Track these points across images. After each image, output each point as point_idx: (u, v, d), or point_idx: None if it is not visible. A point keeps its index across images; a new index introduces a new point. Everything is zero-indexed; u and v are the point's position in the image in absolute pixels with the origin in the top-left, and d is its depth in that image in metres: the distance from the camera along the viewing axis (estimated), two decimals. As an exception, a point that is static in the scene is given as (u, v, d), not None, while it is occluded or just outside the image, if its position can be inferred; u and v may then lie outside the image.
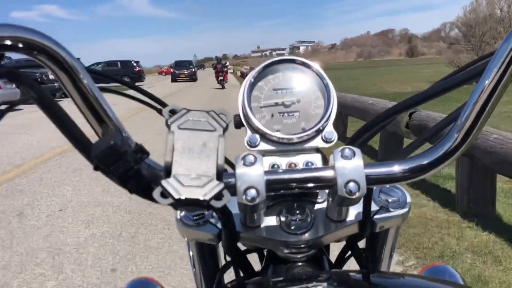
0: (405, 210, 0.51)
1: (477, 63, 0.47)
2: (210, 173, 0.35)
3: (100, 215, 3.46)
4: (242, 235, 0.49)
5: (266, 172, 0.40)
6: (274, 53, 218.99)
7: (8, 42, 0.36)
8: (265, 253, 0.56)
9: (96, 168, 0.38)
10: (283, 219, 0.48)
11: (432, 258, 2.54)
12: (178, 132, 0.37)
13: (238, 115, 0.50)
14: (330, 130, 0.50)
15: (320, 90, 0.51)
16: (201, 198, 0.34)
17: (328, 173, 0.41)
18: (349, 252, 0.56)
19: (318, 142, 0.50)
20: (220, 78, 20.89)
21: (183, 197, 0.34)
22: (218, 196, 0.35)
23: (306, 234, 0.48)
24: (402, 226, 0.55)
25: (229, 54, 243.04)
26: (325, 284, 0.46)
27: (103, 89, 0.48)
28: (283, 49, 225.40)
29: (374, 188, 0.51)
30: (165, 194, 0.35)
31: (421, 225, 2.99)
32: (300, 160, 0.49)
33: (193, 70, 32.91)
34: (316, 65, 0.52)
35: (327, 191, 0.49)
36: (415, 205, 3.32)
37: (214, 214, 0.50)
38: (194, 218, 0.51)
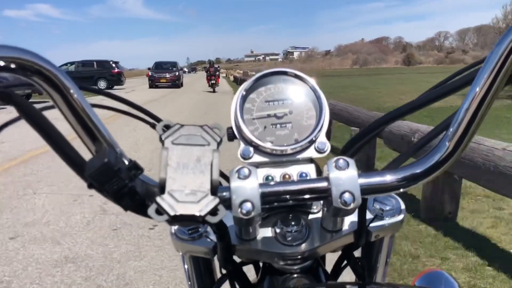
0: (400, 217, 0.51)
1: (468, 70, 0.48)
2: (204, 188, 0.35)
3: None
4: (237, 248, 0.49)
5: (261, 185, 0.40)
6: (267, 58, 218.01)
7: (1, 63, 0.36)
8: (261, 265, 0.56)
9: (90, 186, 0.38)
10: (278, 230, 0.48)
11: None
12: (172, 147, 0.37)
13: (231, 128, 0.50)
14: (322, 141, 0.50)
15: (312, 101, 0.51)
16: (197, 214, 0.34)
17: (323, 184, 0.41)
18: (345, 262, 0.56)
19: (311, 152, 0.49)
20: (212, 81, 20.88)
21: (178, 214, 0.34)
22: (214, 212, 0.35)
23: (302, 246, 0.48)
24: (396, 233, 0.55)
25: (223, 58, 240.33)
26: None
27: (95, 105, 0.47)
28: (276, 54, 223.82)
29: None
30: (160, 211, 0.35)
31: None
32: (294, 171, 0.49)
33: (177, 73, 25.51)
34: (308, 78, 0.52)
35: (322, 201, 0.48)
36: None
37: (209, 227, 0.51)
38: (189, 232, 0.51)
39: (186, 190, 0.34)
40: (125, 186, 0.37)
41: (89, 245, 3.00)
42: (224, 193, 0.40)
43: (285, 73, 0.52)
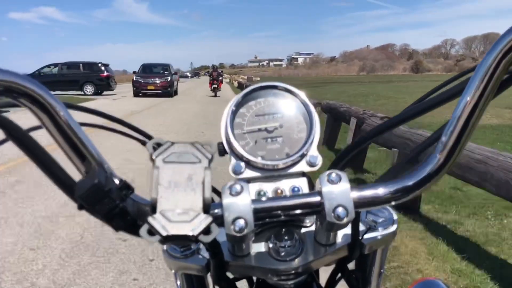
0: (393, 228, 0.51)
1: (458, 79, 0.48)
2: (197, 207, 0.35)
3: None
4: (231, 264, 0.48)
5: (254, 201, 0.40)
6: (271, 63, 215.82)
7: None
8: (255, 280, 0.56)
9: (80, 207, 0.37)
10: (271, 245, 0.48)
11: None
12: (163, 166, 0.36)
13: (221, 143, 0.50)
14: (314, 154, 0.49)
15: (302, 114, 0.51)
16: (190, 234, 0.34)
17: (316, 199, 0.41)
18: (339, 275, 0.56)
19: (302, 166, 0.49)
20: (214, 86, 20.98)
21: (170, 234, 0.33)
22: (207, 231, 0.34)
23: (296, 260, 0.47)
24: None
25: (226, 63, 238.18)
26: None
27: (84, 124, 0.47)
28: (280, 60, 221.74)
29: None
30: (152, 231, 0.34)
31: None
32: (286, 185, 0.49)
33: (169, 79, 20.36)
34: (298, 91, 0.52)
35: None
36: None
37: (202, 245, 0.50)
38: (181, 249, 0.51)
39: (178, 210, 0.34)
40: (116, 207, 0.37)
41: None
42: (216, 210, 0.39)
43: (275, 87, 0.52)
